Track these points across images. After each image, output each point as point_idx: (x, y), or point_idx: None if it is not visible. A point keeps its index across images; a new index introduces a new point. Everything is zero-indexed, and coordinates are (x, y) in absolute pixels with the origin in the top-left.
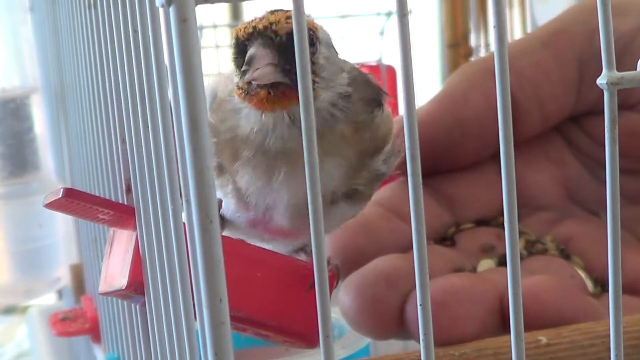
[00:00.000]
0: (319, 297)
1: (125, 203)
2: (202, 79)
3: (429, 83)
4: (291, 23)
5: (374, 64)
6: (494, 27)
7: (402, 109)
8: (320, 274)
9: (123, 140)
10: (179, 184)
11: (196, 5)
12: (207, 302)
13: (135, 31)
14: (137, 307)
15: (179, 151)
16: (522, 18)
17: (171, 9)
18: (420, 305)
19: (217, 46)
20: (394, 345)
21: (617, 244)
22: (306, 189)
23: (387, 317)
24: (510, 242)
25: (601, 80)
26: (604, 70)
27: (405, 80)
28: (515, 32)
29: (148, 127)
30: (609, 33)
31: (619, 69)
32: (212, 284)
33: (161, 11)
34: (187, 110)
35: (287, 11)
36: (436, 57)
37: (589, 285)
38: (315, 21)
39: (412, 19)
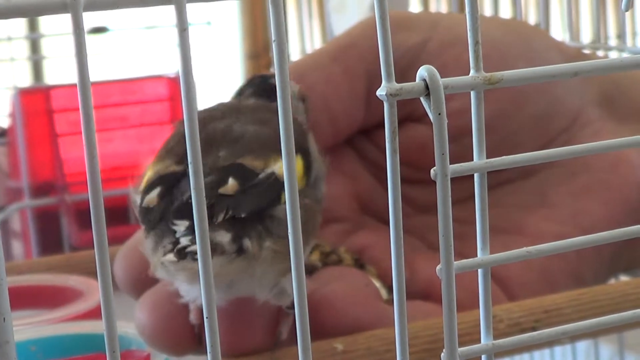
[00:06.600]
0: (104, 313)
1: None
2: None
3: (229, 94)
4: None
5: (172, 76)
6: (274, 41)
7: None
8: (105, 294)
9: None
10: None
11: None
12: None
13: None
14: None
15: None
16: (322, 29)
17: None
18: (207, 317)
19: (12, 59)
20: None
21: (400, 251)
22: None
23: (185, 333)
24: (295, 255)
25: (381, 92)
26: (384, 82)
27: (187, 95)
28: (316, 43)
29: None
30: (388, 45)
31: (407, 82)
32: None
33: None
34: None
35: None
36: (237, 67)
37: (383, 292)
38: None
39: (212, 30)
